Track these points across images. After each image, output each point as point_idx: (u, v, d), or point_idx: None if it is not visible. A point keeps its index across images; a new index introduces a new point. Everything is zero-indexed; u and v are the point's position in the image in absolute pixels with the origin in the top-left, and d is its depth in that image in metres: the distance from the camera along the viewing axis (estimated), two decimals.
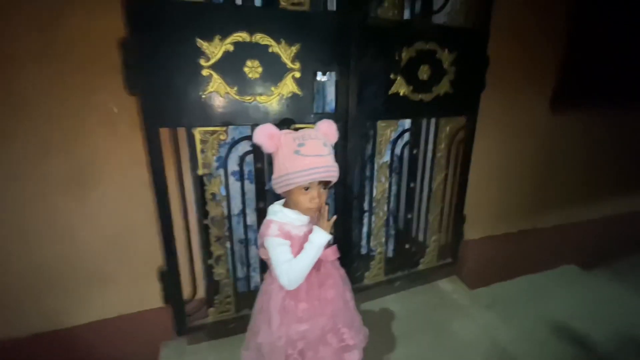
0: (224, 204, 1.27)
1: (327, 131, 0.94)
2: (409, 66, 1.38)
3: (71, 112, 1.06)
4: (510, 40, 1.61)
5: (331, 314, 0.97)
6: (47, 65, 1.01)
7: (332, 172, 0.89)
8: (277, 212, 0.94)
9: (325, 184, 0.91)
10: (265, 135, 0.87)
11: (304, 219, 0.94)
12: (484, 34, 1.51)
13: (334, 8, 1.23)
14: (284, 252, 0.90)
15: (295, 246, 0.92)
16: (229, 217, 1.30)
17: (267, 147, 0.89)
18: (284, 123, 1.23)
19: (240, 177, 1.30)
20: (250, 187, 1.37)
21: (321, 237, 0.91)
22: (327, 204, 0.95)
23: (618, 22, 1.92)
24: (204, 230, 1.28)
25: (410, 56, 1.37)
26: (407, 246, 1.73)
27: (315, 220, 0.94)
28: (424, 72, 1.42)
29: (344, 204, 1.42)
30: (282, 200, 0.99)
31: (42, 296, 1.18)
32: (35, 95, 1.02)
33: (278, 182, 0.90)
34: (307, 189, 0.88)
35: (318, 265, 0.96)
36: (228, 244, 1.33)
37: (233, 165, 1.33)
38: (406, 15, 1.41)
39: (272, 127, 0.89)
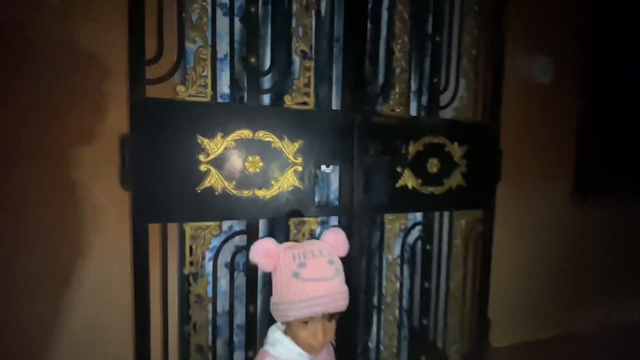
0: (210, 307, 1.13)
1: (334, 242, 0.80)
2: (416, 159, 1.33)
3: (58, 205, 1.02)
4: (524, 133, 1.59)
5: None
6: (43, 160, 1.00)
7: (338, 301, 0.73)
8: (276, 341, 0.78)
9: (331, 314, 0.74)
10: (262, 254, 0.74)
11: (306, 355, 0.76)
12: (495, 128, 1.48)
13: (339, 107, 1.23)
14: None
15: None
16: (214, 323, 1.14)
17: (263, 266, 0.75)
18: (291, 215, 1.15)
19: (230, 276, 1.17)
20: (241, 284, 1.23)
21: None
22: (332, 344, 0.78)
23: (634, 111, 1.89)
24: (185, 337, 1.11)
25: (417, 150, 1.33)
26: (423, 358, 1.47)
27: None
28: (433, 165, 1.36)
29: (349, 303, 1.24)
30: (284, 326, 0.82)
31: None
32: (25, 187, 0.99)
33: (275, 310, 0.76)
34: (308, 322, 0.73)
35: None
36: (210, 355, 1.14)
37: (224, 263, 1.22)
38: (412, 108, 1.41)
39: (270, 243, 0.76)
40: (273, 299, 0.76)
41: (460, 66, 1.42)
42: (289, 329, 0.76)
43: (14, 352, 1.01)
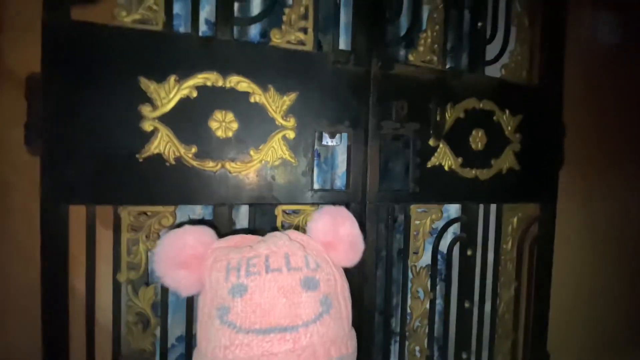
0: (157, 330, 0.78)
1: (329, 237, 0.46)
2: (455, 130, 0.97)
3: None
4: (591, 103, 1.20)
5: None
6: None
7: None
8: None
9: None
10: (171, 261, 0.42)
11: None
12: (556, 94, 1.11)
13: (349, 49, 0.89)
14: None
15: None
16: (163, 355, 0.79)
17: (176, 287, 0.44)
18: (277, 201, 0.80)
19: None
20: None
21: None
22: None
23: None
24: None
25: (457, 117, 0.97)
26: None
27: None
28: (477, 140, 0.99)
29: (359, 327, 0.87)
30: None
31: None
32: None
33: None
34: None
35: None
36: None
37: None
38: (449, 63, 1.05)
39: (193, 240, 0.44)
40: (196, 348, 0.43)
41: (512, 9, 1.06)
42: None
43: None
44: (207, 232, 0.43)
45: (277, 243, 0.41)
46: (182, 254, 0.40)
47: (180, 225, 0.68)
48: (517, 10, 1.07)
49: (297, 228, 0.85)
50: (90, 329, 0.76)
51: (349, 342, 0.42)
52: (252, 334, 0.35)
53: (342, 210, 0.47)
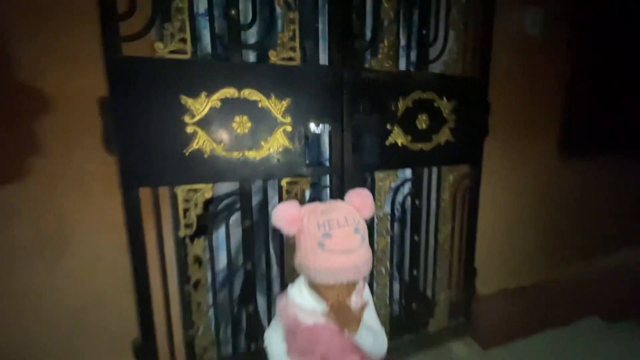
0: (208, 267, 1.16)
1: (359, 205, 0.79)
2: (406, 116, 1.32)
3: (42, 173, 0.99)
4: (512, 86, 1.57)
5: None
6: (19, 127, 0.95)
7: (362, 272, 0.76)
8: (296, 289, 0.83)
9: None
10: (285, 220, 0.75)
11: (320, 308, 0.80)
12: (483, 81, 1.47)
13: (326, 62, 1.19)
14: (274, 329, 0.86)
15: (296, 335, 0.80)
16: (213, 281, 1.18)
17: (287, 231, 0.77)
18: (282, 175, 1.15)
19: (226, 236, 1.19)
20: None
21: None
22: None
23: (624, 65, 1.89)
24: (185, 296, 1.15)
25: (407, 106, 1.32)
26: (414, 305, 1.56)
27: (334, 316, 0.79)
28: (422, 121, 1.36)
29: None
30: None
31: None
32: (3, 154, 0.96)
33: (300, 269, 0.78)
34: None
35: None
36: (211, 312, 1.19)
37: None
38: (401, 65, 1.37)
39: (293, 209, 0.76)
40: (298, 259, 0.78)
41: (450, 17, 1.37)
42: (313, 285, 0.80)
43: (3, 327, 1.03)
44: (296, 204, 0.77)
45: (338, 210, 0.76)
46: (288, 216, 0.75)
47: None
48: (454, 18, 1.38)
49: (295, 194, 1.22)
50: (163, 268, 1.13)
51: (371, 261, 0.78)
52: (336, 254, 0.71)
53: (365, 190, 0.82)
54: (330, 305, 0.76)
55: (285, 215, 0.75)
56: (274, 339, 0.88)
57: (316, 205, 0.78)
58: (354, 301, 0.80)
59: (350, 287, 0.77)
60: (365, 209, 0.78)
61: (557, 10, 1.61)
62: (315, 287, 0.79)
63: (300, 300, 0.81)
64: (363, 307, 0.79)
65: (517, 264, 1.85)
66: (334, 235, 0.72)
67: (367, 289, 0.88)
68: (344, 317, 0.76)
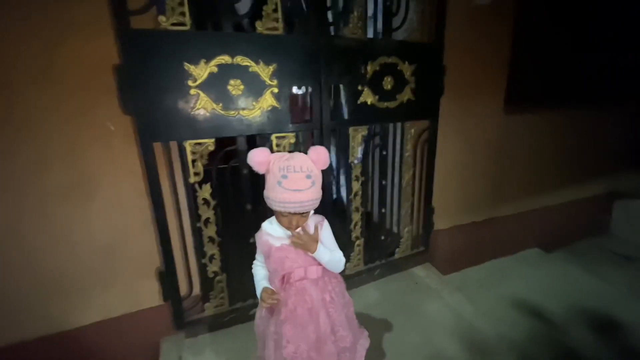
0: (215, 207, 1.41)
1: (315, 158, 0.99)
2: (374, 78, 1.56)
3: (69, 130, 1.18)
4: (464, 51, 1.82)
5: (315, 338, 1.02)
6: (46, 88, 1.12)
7: (305, 207, 0.96)
8: (268, 222, 1.08)
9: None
10: (255, 162, 0.97)
11: (284, 233, 1.03)
12: (439, 46, 1.72)
13: (305, 32, 1.39)
14: (258, 254, 1.10)
15: (269, 254, 1.04)
16: (220, 218, 1.44)
17: (257, 170, 0.99)
18: (272, 131, 1.37)
19: (226, 183, 1.44)
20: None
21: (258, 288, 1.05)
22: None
23: (561, 30, 2.19)
24: (197, 232, 1.41)
25: (374, 69, 1.55)
26: (382, 237, 1.91)
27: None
28: (387, 83, 1.60)
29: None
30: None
31: (46, 301, 1.29)
32: (36, 115, 1.13)
33: (265, 198, 1.00)
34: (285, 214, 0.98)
35: (289, 279, 1.02)
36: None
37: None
38: (369, 33, 1.59)
39: (263, 153, 0.97)
40: (265, 192, 1.01)
41: None
42: (275, 214, 1.04)
43: (46, 258, 1.25)
44: (267, 150, 0.98)
45: (297, 159, 0.97)
46: (257, 159, 0.96)
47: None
48: None
49: (284, 147, 1.46)
50: (178, 208, 1.38)
51: (316, 200, 1.01)
52: (288, 191, 0.93)
53: (322, 147, 1.01)
54: (291, 232, 1.00)
55: (256, 157, 0.97)
56: (257, 266, 1.11)
57: (282, 154, 1.00)
58: (311, 227, 1.03)
59: (298, 216, 0.98)
60: (320, 162, 1.00)
61: None
62: (277, 216, 1.02)
63: (270, 229, 1.05)
64: (316, 231, 1.02)
65: (469, 203, 2.21)
66: (289, 177, 0.94)
67: (325, 222, 1.10)
68: (302, 240, 0.99)
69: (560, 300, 1.98)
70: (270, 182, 0.97)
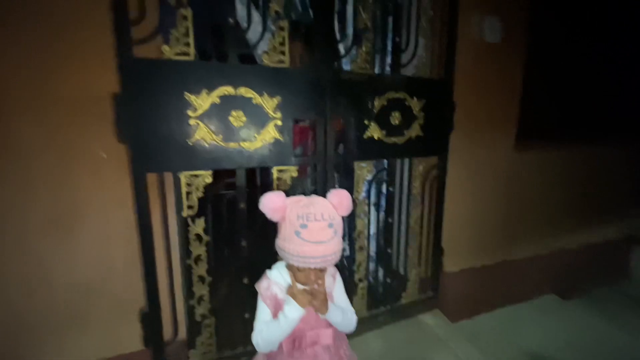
0: (208, 243, 1.32)
1: (337, 203, 0.89)
2: (381, 113, 1.51)
3: (61, 157, 1.12)
4: (474, 86, 1.79)
5: None
6: (39, 114, 1.07)
7: (328, 261, 0.85)
8: (276, 270, 0.96)
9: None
10: (270, 207, 0.87)
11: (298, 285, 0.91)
12: (449, 82, 1.68)
13: (312, 65, 1.36)
14: (263, 312, 0.92)
15: (277, 311, 0.91)
16: (212, 257, 1.34)
17: (271, 217, 0.88)
18: (273, 164, 1.31)
19: (228, 216, 1.35)
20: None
21: (292, 311, 0.87)
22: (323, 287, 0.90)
23: (575, 64, 2.16)
24: (187, 270, 1.31)
25: (382, 104, 1.51)
26: (388, 280, 1.77)
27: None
28: (395, 118, 1.55)
29: None
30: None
31: (15, 343, 1.16)
32: (27, 141, 1.08)
33: (279, 251, 0.89)
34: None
35: (301, 344, 0.90)
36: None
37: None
38: (377, 68, 1.56)
39: (278, 199, 0.87)
40: (278, 242, 0.89)
41: (419, 27, 1.57)
42: (289, 267, 0.93)
43: (23, 297, 1.14)
44: (282, 195, 0.88)
45: (317, 205, 0.86)
46: (273, 205, 0.86)
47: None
48: (423, 27, 1.58)
49: (285, 180, 1.39)
50: (167, 244, 1.28)
51: (339, 253, 0.88)
52: (309, 243, 0.82)
53: (344, 191, 0.92)
54: (309, 288, 0.87)
55: (271, 204, 0.86)
56: (263, 330, 0.91)
57: (300, 198, 0.89)
58: (326, 283, 0.91)
59: (319, 272, 0.87)
60: (342, 207, 0.90)
61: (512, 19, 1.84)
62: (291, 269, 0.90)
63: (281, 281, 0.92)
64: (324, 286, 0.90)
65: (480, 244, 2.08)
66: (310, 227, 0.82)
67: (338, 274, 0.99)
68: (318, 299, 0.87)
69: (580, 353, 1.79)
70: (286, 232, 0.86)
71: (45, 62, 1.06)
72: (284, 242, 0.87)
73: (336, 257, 0.87)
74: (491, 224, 2.09)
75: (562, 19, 2.02)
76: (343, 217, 0.91)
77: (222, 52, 1.22)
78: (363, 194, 1.58)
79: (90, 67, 1.10)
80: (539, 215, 2.27)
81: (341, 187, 1.56)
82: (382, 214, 1.71)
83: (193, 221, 1.27)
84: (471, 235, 2.02)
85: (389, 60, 1.58)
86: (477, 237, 2.05)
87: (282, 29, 1.27)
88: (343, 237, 1.64)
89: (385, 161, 1.66)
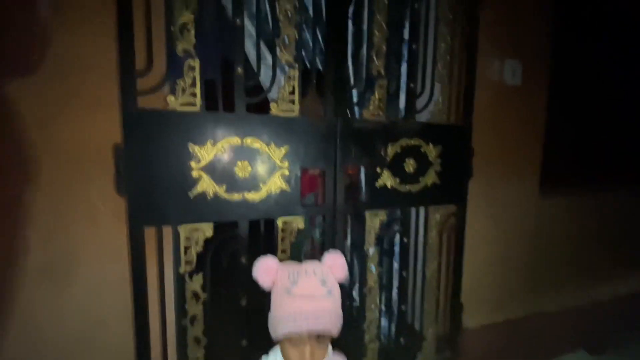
0: (205, 302, 1.22)
1: (331, 264, 0.84)
2: (395, 160, 1.43)
3: (54, 206, 1.07)
4: (494, 131, 1.70)
5: None
6: (37, 160, 1.03)
7: (324, 319, 0.74)
8: (272, 353, 0.86)
9: (320, 335, 0.75)
10: (261, 270, 0.81)
11: None
12: (467, 127, 1.60)
13: (322, 113, 1.31)
14: None
15: None
16: (209, 316, 1.24)
17: (263, 283, 0.82)
18: (278, 215, 1.23)
19: (220, 275, 1.26)
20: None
21: None
22: None
23: (599, 108, 2.05)
24: (182, 331, 1.20)
25: (395, 151, 1.43)
26: (402, 340, 1.61)
27: None
28: (409, 165, 1.46)
29: None
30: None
31: None
32: (20, 190, 1.03)
33: (270, 327, 0.80)
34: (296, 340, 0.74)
35: None
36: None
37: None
38: (390, 114, 1.50)
39: (270, 261, 0.83)
40: (270, 317, 0.80)
41: (436, 72, 1.51)
42: (282, 349, 0.79)
43: (12, 345, 1.07)
44: (275, 259, 0.83)
45: (310, 264, 0.82)
46: (265, 266, 0.81)
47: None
48: (440, 72, 1.52)
49: (290, 232, 1.30)
50: (162, 303, 1.19)
51: (335, 316, 0.79)
52: (298, 297, 0.74)
53: (338, 253, 0.86)
54: None
55: (262, 267, 0.81)
56: None
57: (292, 263, 0.84)
58: None
59: (314, 344, 0.74)
60: (337, 267, 0.83)
61: (533, 61, 1.77)
62: (283, 351, 0.78)
63: None
64: None
65: (503, 298, 1.91)
66: (300, 283, 0.76)
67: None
68: None
69: None
70: (277, 297, 0.79)
71: (46, 107, 1.04)
72: (275, 309, 0.79)
73: (332, 321, 0.75)
74: (515, 276, 1.92)
75: (588, 59, 1.94)
76: (341, 285, 0.85)
77: (230, 101, 1.17)
78: (375, 246, 1.47)
79: (93, 116, 1.07)
80: (567, 264, 2.09)
81: (352, 238, 1.46)
82: (395, 267, 1.58)
83: (190, 277, 1.19)
84: (493, 288, 1.86)
85: (403, 105, 1.51)
86: (499, 290, 1.89)
87: (292, 77, 1.23)
88: (351, 292, 1.53)
89: (399, 210, 1.55)
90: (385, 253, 1.53)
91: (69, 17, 1.03)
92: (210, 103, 1.16)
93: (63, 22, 1.02)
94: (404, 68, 1.49)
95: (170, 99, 1.10)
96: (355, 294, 1.54)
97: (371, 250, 1.47)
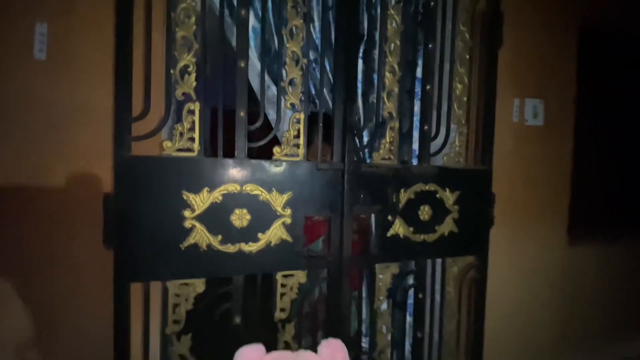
0: None
1: (330, 357, 0.74)
2: (407, 207, 1.31)
3: (37, 262, 1.00)
4: (516, 176, 1.58)
5: None
6: (22, 209, 0.98)
7: None
8: None
9: None
10: None
11: None
12: (487, 171, 1.47)
13: (329, 156, 1.22)
14: None
15: None
16: None
17: None
18: (277, 269, 1.12)
19: (211, 336, 1.13)
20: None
21: None
22: None
23: (627, 150, 1.90)
24: None
25: (408, 198, 1.31)
26: None
27: None
28: (424, 213, 1.34)
29: None
30: None
31: None
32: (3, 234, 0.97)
33: None
34: None
35: None
36: None
37: None
38: (403, 158, 1.40)
39: (253, 353, 0.73)
40: None
41: (451, 113, 1.42)
42: None
43: None
44: (261, 349, 0.74)
45: (301, 356, 0.73)
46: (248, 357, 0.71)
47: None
48: (455, 113, 1.43)
49: (291, 288, 1.17)
50: None
51: None
52: None
53: (338, 342, 0.76)
54: None
55: (247, 357, 0.72)
56: None
57: (283, 353, 0.75)
58: None
59: None
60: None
61: (556, 101, 1.67)
62: None
63: None
64: None
65: (527, 355, 1.70)
66: None
67: None
68: None
69: None
70: None
71: (35, 154, 0.99)
72: None
73: None
74: (542, 332, 1.73)
75: (615, 98, 1.82)
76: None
77: (230, 145, 1.10)
78: (386, 303, 1.32)
79: (83, 164, 1.02)
80: (601, 319, 1.89)
81: (359, 295, 1.32)
82: (409, 327, 1.42)
83: (178, 339, 1.06)
84: (519, 347, 1.67)
85: (416, 149, 1.41)
86: (525, 350, 1.69)
87: (297, 121, 1.15)
88: (357, 352, 1.37)
89: (413, 262, 1.41)
90: (397, 309, 1.38)
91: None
92: (209, 148, 1.09)
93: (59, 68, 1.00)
94: (417, 107, 1.40)
95: (167, 144, 1.04)
96: (365, 358, 1.37)
97: (382, 307, 1.32)
